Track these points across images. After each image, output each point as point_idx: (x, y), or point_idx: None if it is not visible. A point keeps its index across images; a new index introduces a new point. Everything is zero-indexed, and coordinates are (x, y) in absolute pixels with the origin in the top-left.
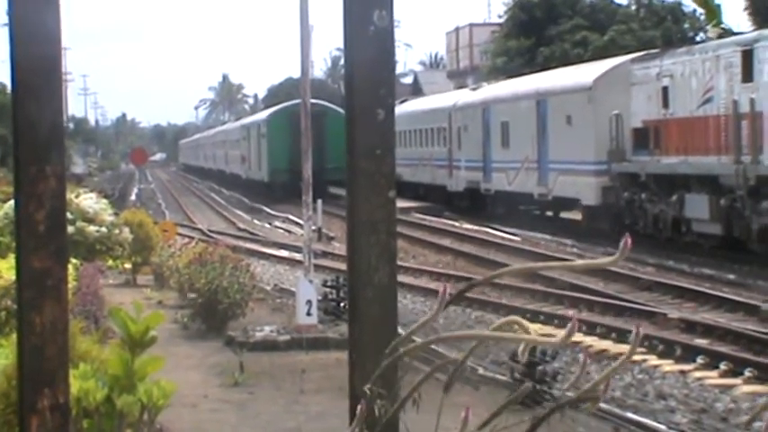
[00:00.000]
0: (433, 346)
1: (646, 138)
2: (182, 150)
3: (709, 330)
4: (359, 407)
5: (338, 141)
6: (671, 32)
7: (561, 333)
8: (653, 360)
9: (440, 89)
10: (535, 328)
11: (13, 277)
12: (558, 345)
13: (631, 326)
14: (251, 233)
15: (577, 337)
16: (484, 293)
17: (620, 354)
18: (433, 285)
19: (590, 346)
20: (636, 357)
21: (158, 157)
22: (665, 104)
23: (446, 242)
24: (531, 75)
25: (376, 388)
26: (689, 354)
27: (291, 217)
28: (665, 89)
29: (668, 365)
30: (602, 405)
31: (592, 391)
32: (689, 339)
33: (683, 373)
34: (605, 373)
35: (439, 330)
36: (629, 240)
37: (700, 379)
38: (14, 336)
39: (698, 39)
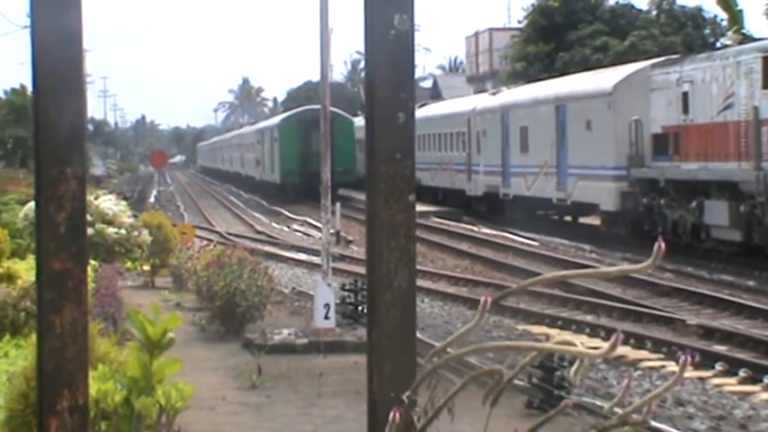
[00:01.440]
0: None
1: (665, 143)
2: (200, 153)
3: (728, 337)
4: (391, 413)
5: (345, 145)
6: (691, 38)
7: (604, 347)
8: (671, 366)
9: (459, 93)
10: (553, 333)
11: (33, 278)
12: (600, 357)
13: (650, 332)
14: (269, 236)
15: (596, 342)
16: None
17: (639, 360)
18: (451, 290)
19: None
20: (654, 364)
21: (177, 159)
22: (685, 110)
23: (464, 246)
24: (550, 80)
25: (413, 396)
26: (708, 360)
27: (310, 220)
28: (685, 95)
29: (687, 372)
30: (620, 411)
31: (635, 412)
32: (708, 346)
33: (701, 379)
34: (649, 396)
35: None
36: (662, 245)
37: (718, 386)
38: (34, 337)
39: (718, 44)
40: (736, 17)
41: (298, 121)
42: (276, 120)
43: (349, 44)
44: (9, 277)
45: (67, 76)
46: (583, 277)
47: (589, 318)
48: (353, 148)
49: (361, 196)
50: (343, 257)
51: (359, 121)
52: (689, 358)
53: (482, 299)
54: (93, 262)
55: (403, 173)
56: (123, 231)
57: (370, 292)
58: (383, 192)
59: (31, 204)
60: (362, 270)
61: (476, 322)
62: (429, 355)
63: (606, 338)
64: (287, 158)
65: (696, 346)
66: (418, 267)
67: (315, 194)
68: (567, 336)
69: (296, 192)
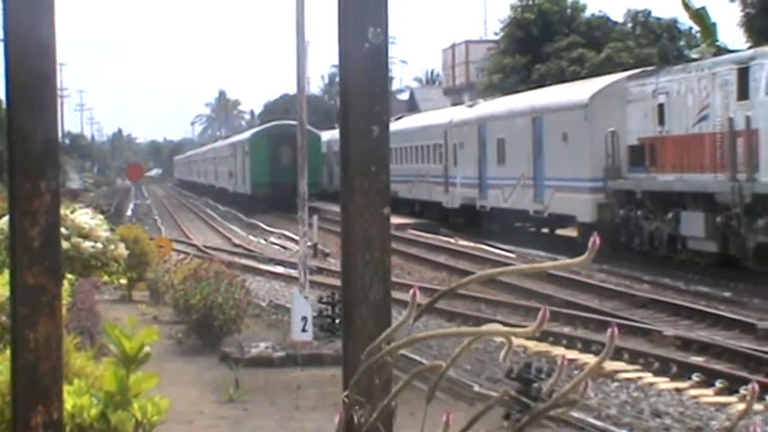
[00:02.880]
0: (418, 358)
1: (641, 155)
2: (176, 166)
3: (704, 348)
4: (336, 416)
5: (312, 159)
6: (667, 50)
7: (532, 325)
8: (648, 378)
9: (436, 106)
10: (530, 345)
11: (8, 293)
12: (529, 334)
13: (627, 343)
14: (246, 249)
15: (573, 354)
16: (479, 310)
17: (616, 371)
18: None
19: (585, 363)
20: (631, 375)
21: (154, 172)
22: (661, 122)
23: (441, 259)
24: (527, 92)
25: (354, 396)
26: (684, 371)
27: (287, 233)
28: (660, 106)
29: (664, 383)
30: (597, 423)
31: (566, 396)
32: (684, 357)
33: (678, 390)
34: (579, 376)
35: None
36: (597, 239)
37: (695, 397)
38: (8, 352)
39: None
40: (709, 30)
41: (268, 135)
42: (247, 134)
43: (327, 57)
44: None
45: (41, 89)
46: (518, 273)
47: (566, 329)
48: (319, 161)
49: (331, 207)
50: (320, 270)
51: (326, 135)
52: (615, 330)
53: (411, 291)
54: (69, 276)
55: (377, 186)
56: (100, 245)
57: (344, 304)
58: (357, 204)
59: (6, 219)
60: (339, 283)
61: (407, 316)
62: (365, 354)
63: (583, 350)
64: (257, 171)
65: (673, 357)
66: (395, 280)
67: (284, 204)
68: (497, 326)
69: (266, 202)
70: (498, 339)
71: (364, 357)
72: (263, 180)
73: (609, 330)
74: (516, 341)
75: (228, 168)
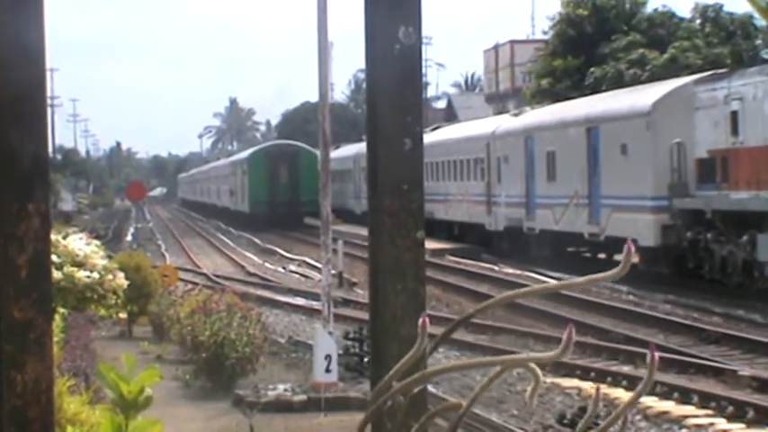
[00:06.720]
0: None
1: (712, 170)
2: (180, 185)
3: None
4: None
5: (311, 177)
6: (741, 50)
7: (556, 350)
8: (722, 424)
9: (477, 115)
10: (586, 386)
11: None
12: (553, 359)
13: (696, 384)
14: (262, 278)
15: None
16: (527, 346)
17: (684, 416)
18: (469, 338)
19: (648, 407)
20: (702, 420)
21: (158, 191)
22: (735, 132)
23: (484, 288)
24: (580, 98)
25: None
26: (763, 416)
27: (308, 260)
28: (734, 114)
29: (739, 430)
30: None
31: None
32: (762, 400)
33: None
34: (615, 413)
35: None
36: (632, 246)
37: None
38: None
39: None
40: None
41: (266, 154)
42: (246, 153)
43: (353, 60)
44: None
45: (28, 98)
46: (542, 293)
47: (626, 369)
48: (318, 179)
49: (358, 230)
50: (346, 302)
51: (353, 148)
52: (655, 354)
53: (420, 320)
54: (61, 310)
55: (410, 206)
56: (96, 275)
57: (373, 341)
58: (387, 228)
59: None
60: (368, 317)
61: (417, 349)
62: (372, 395)
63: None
64: (256, 189)
65: (749, 400)
66: (432, 312)
67: (281, 223)
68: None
69: (264, 221)
70: (549, 380)
71: (371, 399)
72: (261, 198)
73: (648, 355)
74: (569, 383)
75: (230, 187)
